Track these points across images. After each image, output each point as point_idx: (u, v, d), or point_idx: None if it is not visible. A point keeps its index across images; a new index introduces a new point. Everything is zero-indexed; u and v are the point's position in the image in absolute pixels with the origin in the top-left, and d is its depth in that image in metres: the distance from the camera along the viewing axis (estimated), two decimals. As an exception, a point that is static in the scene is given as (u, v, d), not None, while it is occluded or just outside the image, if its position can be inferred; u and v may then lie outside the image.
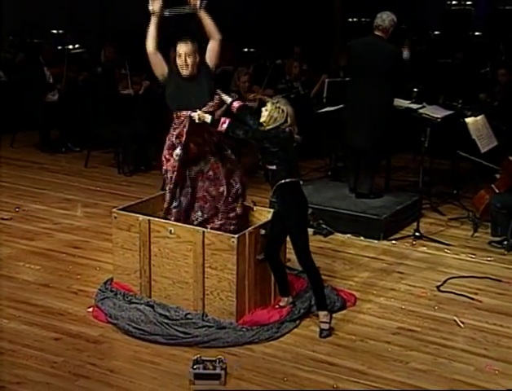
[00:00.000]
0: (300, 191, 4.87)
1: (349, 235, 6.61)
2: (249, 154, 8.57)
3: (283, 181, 4.77)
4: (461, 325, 5.08)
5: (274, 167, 4.80)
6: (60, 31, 11.82)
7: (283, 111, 4.79)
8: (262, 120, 4.82)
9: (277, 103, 4.82)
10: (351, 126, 7.06)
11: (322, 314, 4.89)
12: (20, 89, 9.60)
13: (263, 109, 4.84)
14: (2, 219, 6.83)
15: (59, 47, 9.98)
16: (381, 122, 6.87)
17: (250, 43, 11.22)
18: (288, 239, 5.04)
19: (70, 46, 10.11)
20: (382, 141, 6.97)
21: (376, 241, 6.53)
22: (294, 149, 4.87)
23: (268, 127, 4.77)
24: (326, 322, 4.86)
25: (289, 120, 4.79)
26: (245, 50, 10.88)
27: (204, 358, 4.40)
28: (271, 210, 5.24)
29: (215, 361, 4.38)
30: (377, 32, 6.88)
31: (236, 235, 4.87)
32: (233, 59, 9.82)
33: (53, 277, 5.68)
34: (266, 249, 4.98)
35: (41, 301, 5.26)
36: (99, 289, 5.34)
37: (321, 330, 4.85)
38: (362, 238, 6.58)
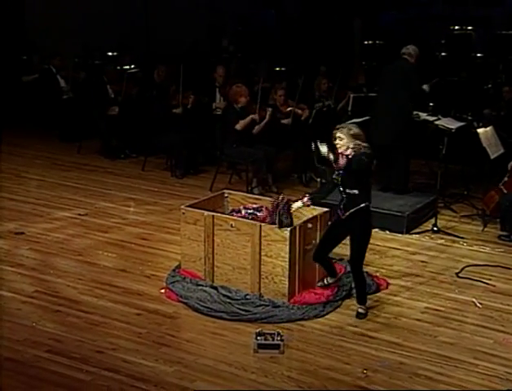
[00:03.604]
0: (371, 214, 5.00)
1: (376, 230, 6.77)
2: (283, 159, 8.81)
3: (363, 205, 4.90)
4: (479, 306, 5.28)
5: (356, 191, 4.88)
6: (115, 53, 12.11)
7: (350, 129, 4.86)
8: (340, 150, 4.86)
9: (343, 128, 4.87)
10: (377, 128, 7.30)
11: (361, 308, 5.06)
12: (84, 103, 9.89)
13: (337, 142, 4.88)
14: (79, 215, 7.10)
15: (118, 67, 10.25)
16: (398, 122, 7.18)
17: (281, 62, 11.43)
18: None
19: (127, 67, 10.37)
20: (402, 139, 7.21)
21: (400, 234, 6.71)
22: (371, 172, 5.00)
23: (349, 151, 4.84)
24: (363, 308, 5.05)
25: (358, 140, 4.84)
26: (277, 68, 11.08)
27: (265, 331, 4.64)
28: (317, 208, 5.44)
29: (274, 333, 4.62)
30: (404, 57, 7.35)
31: (289, 228, 5.10)
32: (267, 77, 10.02)
33: (128, 263, 5.94)
34: (317, 249, 5.14)
35: (121, 283, 5.53)
36: (169, 274, 5.59)
37: (358, 313, 5.04)
38: (388, 232, 6.77)
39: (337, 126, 4.99)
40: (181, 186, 8.28)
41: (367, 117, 8.05)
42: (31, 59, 11.00)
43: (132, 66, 10.52)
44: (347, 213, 4.95)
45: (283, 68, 11.07)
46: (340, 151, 4.91)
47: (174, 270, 5.64)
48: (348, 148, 4.87)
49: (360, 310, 5.05)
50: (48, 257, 6.01)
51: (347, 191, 4.93)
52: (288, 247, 5.07)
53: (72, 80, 10.39)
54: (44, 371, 4.26)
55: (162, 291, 5.40)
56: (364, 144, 4.89)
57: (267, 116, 8.10)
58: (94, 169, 8.89)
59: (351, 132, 4.88)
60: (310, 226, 5.26)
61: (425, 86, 7.27)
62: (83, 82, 10.53)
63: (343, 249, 5.51)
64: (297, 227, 5.15)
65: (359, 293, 5.09)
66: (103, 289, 5.40)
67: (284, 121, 8.54)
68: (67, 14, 11.44)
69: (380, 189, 7.41)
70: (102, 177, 8.52)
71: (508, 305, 5.30)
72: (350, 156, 4.88)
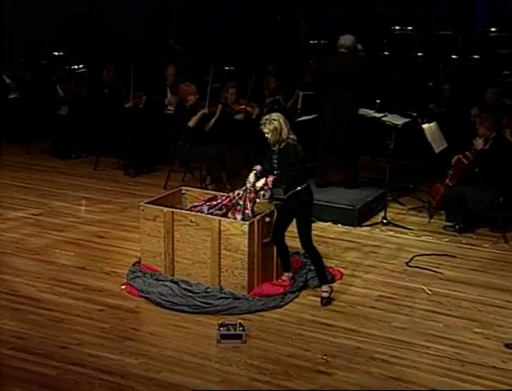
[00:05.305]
0: (310, 191, 5.24)
1: (329, 223, 7.00)
2: (235, 157, 8.93)
3: (299, 187, 5.13)
4: (429, 292, 5.55)
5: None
6: (61, 53, 11.97)
7: (274, 120, 5.14)
8: (270, 142, 5.14)
9: (266, 119, 5.16)
10: (331, 129, 7.38)
11: (324, 287, 5.29)
12: (33, 104, 9.78)
13: (266, 135, 5.15)
14: (33, 215, 7.05)
15: (67, 67, 10.16)
16: (354, 122, 7.38)
17: (230, 62, 11.55)
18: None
19: (75, 67, 10.30)
20: (358, 138, 7.45)
21: (352, 227, 6.93)
22: (304, 154, 5.24)
23: (281, 144, 5.11)
24: (326, 292, 5.28)
25: (283, 124, 5.13)
26: (226, 68, 11.19)
27: (227, 322, 4.77)
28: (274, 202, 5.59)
29: (236, 324, 4.76)
30: (341, 50, 7.36)
31: (248, 222, 5.24)
32: (218, 76, 10.13)
33: (86, 261, 5.97)
34: (273, 232, 5.36)
35: (81, 281, 5.56)
36: (130, 270, 5.64)
37: (322, 298, 5.26)
38: (340, 225, 6.99)
39: (261, 121, 5.24)
40: (135, 185, 8.30)
41: (316, 114, 8.25)
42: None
43: (80, 66, 10.45)
44: (287, 195, 5.23)
45: (232, 68, 11.19)
46: (271, 144, 5.18)
47: (133, 266, 5.69)
48: (276, 143, 5.15)
49: (324, 294, 5.25)
50: (4, 256, 5.98)
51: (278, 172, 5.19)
52: (247, 240, 5.20)
53: (18, 80, 10.24)
54: (9, 368, 4.28)
55: (123, 287, 5.46)
56: (291, 135, 5.15)
57: (218, 112, 8.23)
58: (44, 170, 8.81)
59: (272, 126, 5.10)
60: (268, 220, 5.40)
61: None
62: (30, 82, 10.39)
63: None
64: (256, 221, 5.29)
65: (319, 271, 5.30)
66: (63, 287, 5.42)
67: (237, 117, 8.67)
68: (10, 13, 11.25)
69: (320, 185, 7.46)
70: (53, 177, 8.46)
71: (455, 290, 5.59)
72: (281, 147, 5.15)
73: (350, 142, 7.39)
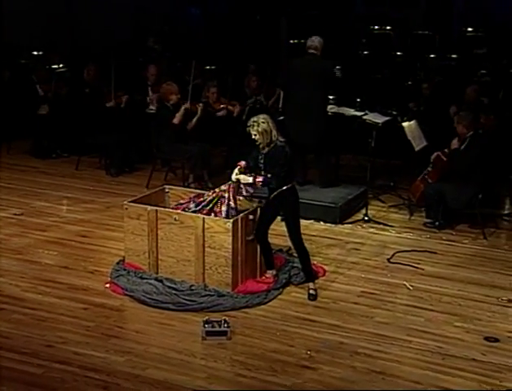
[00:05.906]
0: (295, 190, 5.29)
1: (311, 221, 7.05)
2: (217, 156, 8.97)
3: (284, 187, 5.18)
4: (410, 288, 5.63)
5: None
6: (40, 52, 11.90)
7: (263, 122, 5.17)
8: (260, 144, 5.17)
9: (254, 122, 5.18)
10: (299, 128, 7.30)
11: (311, 284, 5.36)
12: (11, 103, 9.70)
13: (253, 137, 5.19)
14: (15, 215, 7.02)
15: (47, 67, 10.10)
16: (323, 122, 7.38)
17: (210, 61, 11.57)
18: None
19: (56, 66, 10.26)
20: (328, 137, 7.45)
21: (334, 225, 7.00)
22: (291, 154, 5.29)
23: (269, 145, 5.15)
24: (314, 289, 5.36)
25: (271, 125, 5.20)
26: (207, 67, 11.21)
27: (212, 319, 4.81)
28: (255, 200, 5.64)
29: (221, 321, 4.79)
30: (311, 51, 7.40)
31: (231, 220, 5.27)
32: (199, 75, 10.15)
33: (70, 260, 5.96)
34: (256, 230, 5.40)
35: (65, 280, 5.56)
36: (114, 268, 5.65)
37: (310, 294, 5.34)
38: (322, 223, 7.04)
39: (248, 123, 5.25)
40: (117, 184, 8.29)
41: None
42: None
43: (61, 65, 10.40)
44: (272, 195, 5.26)
45: (213, 67, 11.22)
46: (260, 146, 5.22)
47: (117, 264, 5.70)
48: (265, 146, 5.18)
49: (311, 291, 5.32)
50: (-13, 257, 5.96)
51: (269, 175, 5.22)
52: (230, 238, 5.24)
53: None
54: (-5, 368, 4.28)
55: (107, 285, 5.47)
56: (280, 138, 5.20)
57: (199, 112, 8.26)
58: (25, 170, 8.76)
59: (261, 128, 5.14)
60: (251, 217, 5.45)
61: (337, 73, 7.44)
62: (9, 82, 10.32)
63: (282, 241, 5.78)
64: (240, 219, 5.33)
65: (306, 269, 5.36)
66: (47, 286, 5.41)
67: (219, 113, 8.71)
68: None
69: (300, 183, 7.39)
70: (35, 177, 8.42)
71: (436, 285, 5.68)
72: (269, 149, 5.18)
73: (318, 141, 7.40)
